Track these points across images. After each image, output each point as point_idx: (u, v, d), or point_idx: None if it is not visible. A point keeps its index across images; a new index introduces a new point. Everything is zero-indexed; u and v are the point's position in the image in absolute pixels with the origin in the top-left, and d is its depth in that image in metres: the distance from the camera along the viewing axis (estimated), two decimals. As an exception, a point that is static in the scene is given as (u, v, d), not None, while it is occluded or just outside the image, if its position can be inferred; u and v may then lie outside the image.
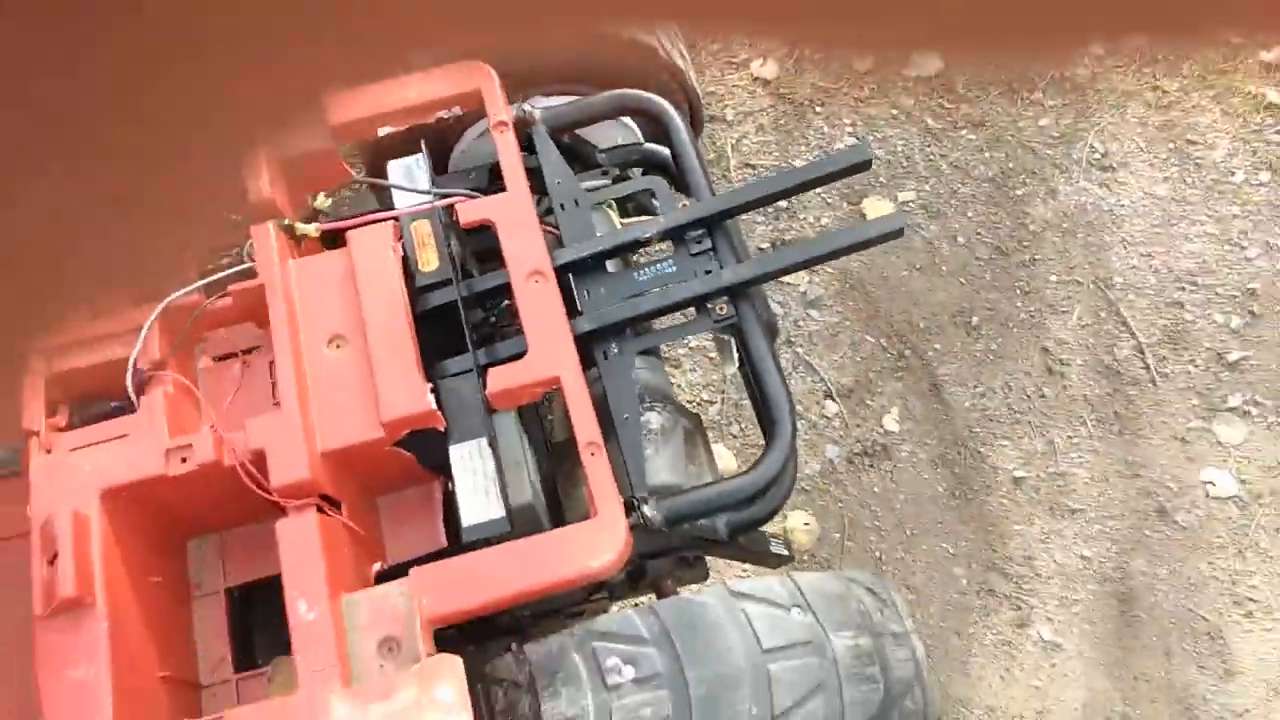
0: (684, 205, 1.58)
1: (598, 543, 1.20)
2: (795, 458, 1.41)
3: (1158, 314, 2.12)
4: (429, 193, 1.49)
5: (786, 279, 2.17)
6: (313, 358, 1.36)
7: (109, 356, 1.34)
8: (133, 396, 1.33)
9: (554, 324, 1.36)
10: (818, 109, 2.41)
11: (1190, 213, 2.24)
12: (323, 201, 1.56)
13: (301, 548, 1.19)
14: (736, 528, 1.40)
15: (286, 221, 1.47)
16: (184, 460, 1.26)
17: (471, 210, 1.46)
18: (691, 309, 1.48)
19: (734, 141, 2.36)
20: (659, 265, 1.53)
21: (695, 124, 1.99)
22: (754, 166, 2.35)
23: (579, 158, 1.77)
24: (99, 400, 1.37)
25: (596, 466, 1.25)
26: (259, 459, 1.25)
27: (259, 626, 1.43)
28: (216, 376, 1.46)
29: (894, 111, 2.40)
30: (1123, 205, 2.25)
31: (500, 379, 1.31)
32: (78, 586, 1.14)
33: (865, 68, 2.44)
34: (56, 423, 1.32)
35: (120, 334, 1.36)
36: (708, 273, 1.49)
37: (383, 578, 1.31)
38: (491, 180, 1.59)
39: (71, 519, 1.19)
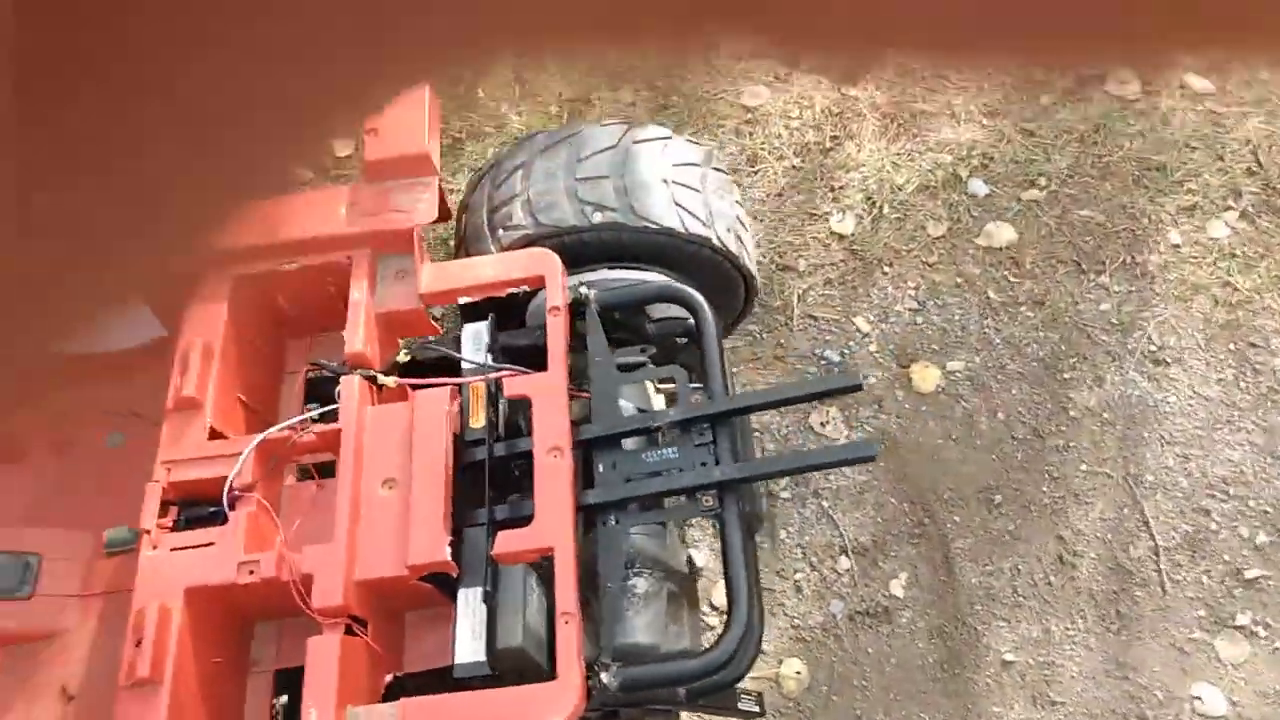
0: (696, 398, 1.81)
1: (555, 701, 1.44)
2: (754, 638, 1.61)
3: (1182, 518, 2.18)
4: (483, 366, 1.78)
5: (825, 431, 2.36)
6: (368, 495, 1.66)
7: (214, 473, 1.69)
8: (226, 510, 1.67)
9: (560, 499, 1.61)
10: (886, 269, 2.57)
11: (1237, 418, 2.28)
12: (403, 353, 1.87)
13: (323, 663, 1.49)
14: (696, 695, 1.62)
15: (371, 373, 1.79)
16: (251, 573, 1.58)
17: (514, 385, 1.74)
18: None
19: (801, 292, 2.56)
20: (667, 450, 1.76)
21: (749, 297, 2.22)
22: (815, 318, 2.54)
23: (631, 327, 2.03)
24: (203, 505, 1.72)
25: (565, 634, 1.49)
26: (308, 580, 1.56)
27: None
28: (296, 494, 1.79)
29: (959, 279, 2.54)
30: (1169, 402, 2.31)
31: (505, 542, 1.57)
32: (152, 671, 1.48)
33: (938, 233, 2.59)
34: (165, 523, 1.67)
35: (227, 456, 1.70)
36: (704, 465, 1.71)
37: (393, 686, 1.60)
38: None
39: (158, 611, 1.53)
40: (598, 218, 1.95)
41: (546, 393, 1.73)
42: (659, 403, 1.96)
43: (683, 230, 1.98)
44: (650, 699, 1.60)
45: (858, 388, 1.70)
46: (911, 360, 2.46)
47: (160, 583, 1.60)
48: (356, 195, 1.92)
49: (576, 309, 1.91)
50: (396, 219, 1.89)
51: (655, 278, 1.98)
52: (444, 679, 1.56)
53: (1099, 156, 2.64)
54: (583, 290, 1.94)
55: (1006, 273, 2.54)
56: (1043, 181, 2.64)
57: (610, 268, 2.05)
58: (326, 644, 1.52)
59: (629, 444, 1.79)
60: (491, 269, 1.87)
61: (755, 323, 2.53)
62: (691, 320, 2.00)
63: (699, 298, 1.92)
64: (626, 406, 1.92)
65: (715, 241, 2.03)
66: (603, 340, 1.91)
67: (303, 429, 1.78)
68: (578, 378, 1.86)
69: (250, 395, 1.91)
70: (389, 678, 1.63)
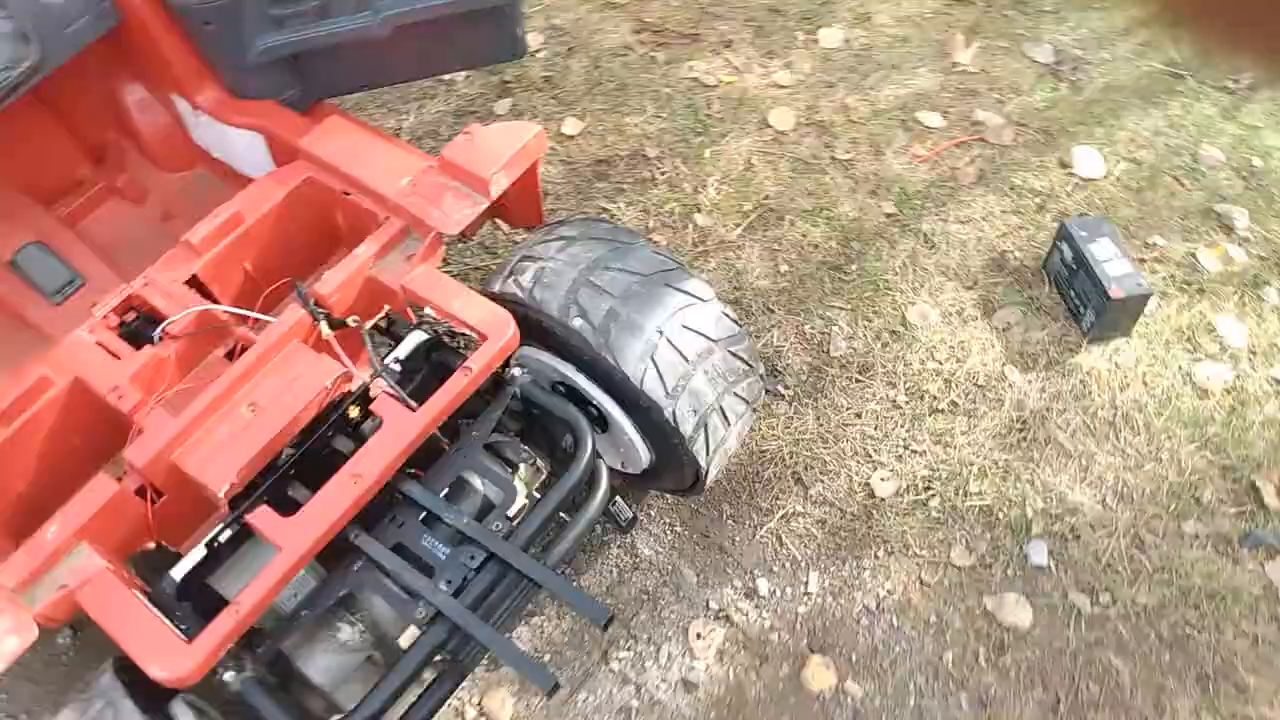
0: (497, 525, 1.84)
1: (171, 656, 1.60)
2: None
3: None
4: (380, 371, 1.91)
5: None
6: (233, 403, 1.86)
7: (165, 308, 1.97)
8: (152, 340, 1.96)
9: (324, 516, 1.72)
10: (878, 553, 2.37)
11: None
12: (352, 319, 2.04)
13: (93, 497, 1.72)
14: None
15: (320, 312, 1.97)
16: (119, 398, 1.87)
17: (382, 403, 1.86)
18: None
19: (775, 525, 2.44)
20: (440, 546, 1.83)
21: (695, 484, 2.18)
22: (783, 549, 2.40)
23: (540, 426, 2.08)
24: (149, 327, 2.02)
25: (223, 622, 1.63)
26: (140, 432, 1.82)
27: None
28: (209, 367, 2.04)
29: (932, 618, 2.27)
30: None
31: (260, 517, 1.73)
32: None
33: (962, 562, 2.32)
34: (113, 321, 1.98)
35: (182, 302, 1.99)
36: (448, 583, 1.77)
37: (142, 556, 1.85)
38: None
39: (39, 378, 1.87)
40: (575, 323, 1.99)
41: (397, 428, 1.84)
42: (517, 502, 2.01)
43: (637, 384, 1.97)
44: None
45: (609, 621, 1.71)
46: (818, 652, 2.27)
47: (66, 358, 1.95)
48: (424, 176, 2.10)
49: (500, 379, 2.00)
50: (432, 216, 2.05)
51: (569, 408, 2.00)
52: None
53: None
54: (514, 372, 2.02)
55: (992, 650, 2.24)
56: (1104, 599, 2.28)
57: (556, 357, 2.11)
58: (105, 485, 1.78)
59: (439, 518, 1.87)
60: (460, 303, 1.97)
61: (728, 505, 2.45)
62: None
63: (588, 444, 1.92)
64: (474, 484, 1.99)
65: (667, 414, 2.00)
66: (494, 419, 1.98)
67: (241, 323, 2.04)
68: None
69: (262, 276, 2.19)
70: (145, 547, 1.87)
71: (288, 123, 2.29)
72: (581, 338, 1.99)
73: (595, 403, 2.13)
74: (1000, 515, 2.40)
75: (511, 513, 1.95)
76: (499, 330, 1.92)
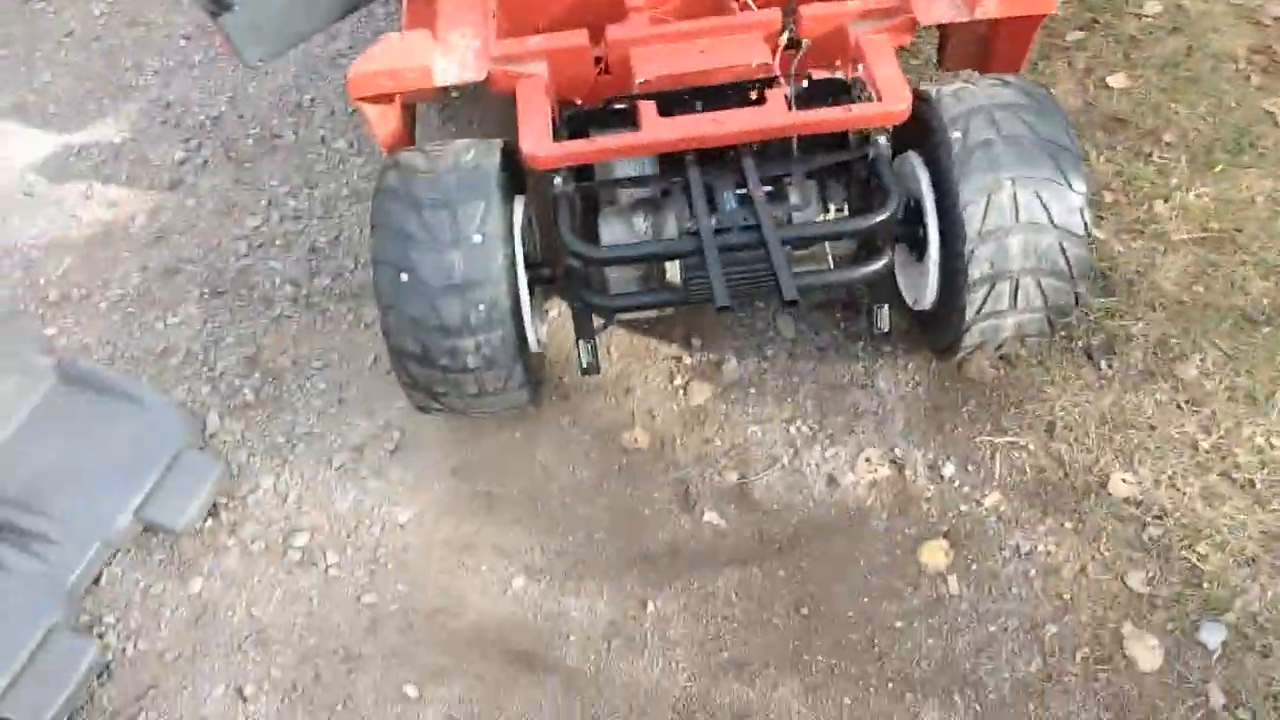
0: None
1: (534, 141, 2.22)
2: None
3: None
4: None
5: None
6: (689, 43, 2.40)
7: None
8: None
9: (683, 129, 2.22)
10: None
11: None
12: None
13: None
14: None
15: (790, 26, 2.42)
16: None
17: (773, 94, 2.28)
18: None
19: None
20: (733, 202, 2.22)
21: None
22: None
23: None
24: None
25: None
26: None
27: None
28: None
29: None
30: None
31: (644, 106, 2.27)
32: None
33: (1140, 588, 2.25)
34: None
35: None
36: (718, 221, 2.19)
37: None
38: None
39: None
40: (954, 135, 2.19)
41: (771, 110, 2.24)
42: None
43: (960, 209, 2.16)
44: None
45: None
46: (948, 539, 2.34)
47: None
48: None
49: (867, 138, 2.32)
50: (917, 5, 2.35)
51: (895, 186, 2.24)
52: None
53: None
54: (881, 139, 2.29)
55: (1094, 661, 2.15)
56: None
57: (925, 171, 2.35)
58: (580, 37, 2.38)
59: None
60: (885, 70, 2.28)
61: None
62: None
63: (892, 211, 2.21)
64: (790, 188, 2.36)
65: (966, 250, 2.17)
66: (839, 157, 2.36)
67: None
68: None
69: None
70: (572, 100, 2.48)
71: None
72: (950, 150, 2.20)
73: (925, 225, 2.34)
74: (1207, 585, 2.22)
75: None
76: (895, 97, 2.22)
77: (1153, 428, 2.48)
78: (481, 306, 2.18)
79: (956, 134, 2.21)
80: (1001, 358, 2.64)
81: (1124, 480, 2.40)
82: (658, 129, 2.24)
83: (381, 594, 2.42)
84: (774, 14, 2.43)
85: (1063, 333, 2.65)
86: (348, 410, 2.75)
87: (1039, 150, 2.18)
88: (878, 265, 2.28)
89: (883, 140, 2.28)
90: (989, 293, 2.22)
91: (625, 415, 2.67)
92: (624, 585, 2.40)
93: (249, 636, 2.38)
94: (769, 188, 2.30)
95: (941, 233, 2.29)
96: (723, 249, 2.17)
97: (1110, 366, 2.60)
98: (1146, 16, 3.43)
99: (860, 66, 2.35)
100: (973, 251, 2.18)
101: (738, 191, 2.27)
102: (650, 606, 2.36)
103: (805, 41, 2.41)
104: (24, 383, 2.68)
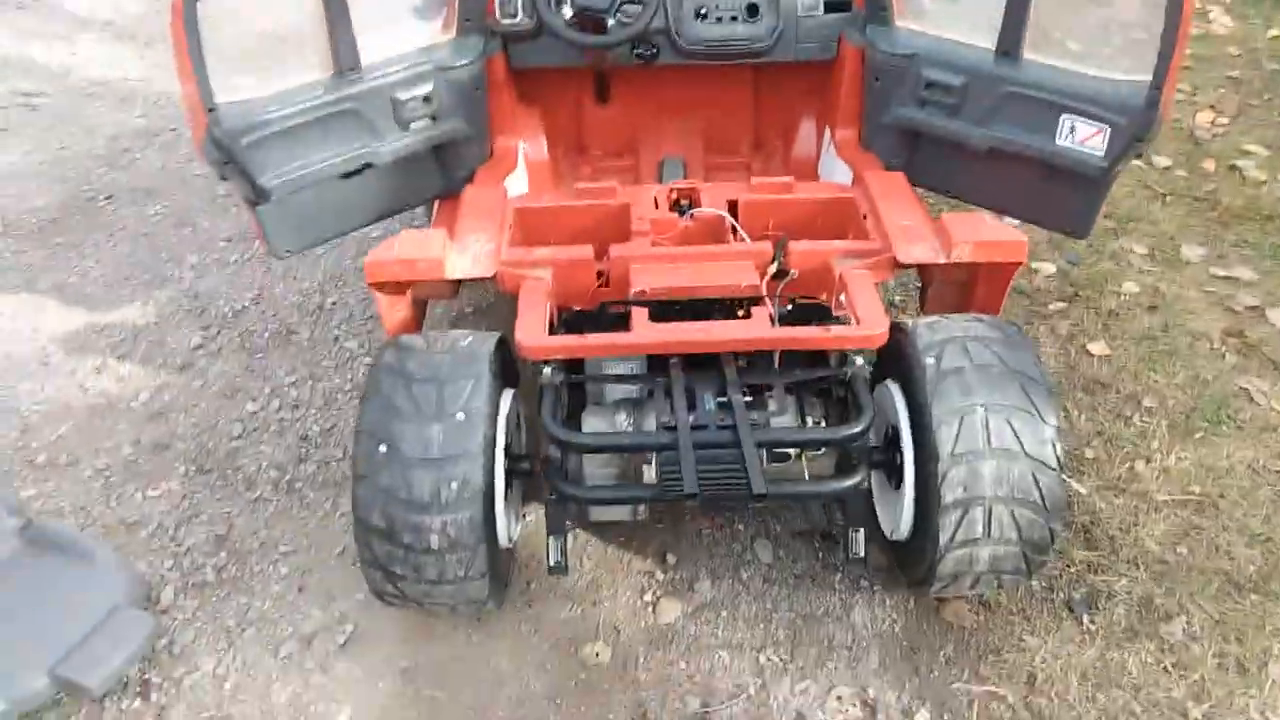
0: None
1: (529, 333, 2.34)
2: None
3: None
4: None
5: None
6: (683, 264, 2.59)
7: None
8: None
9: (671, 335, 2.34)
10: None
11: None
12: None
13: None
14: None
15: (779, 257, 2.59)
16: None
17: (757, 311, 2.40)
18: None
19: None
20: (711, 406, 2.28)
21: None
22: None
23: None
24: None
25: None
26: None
27: None
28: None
29: None
30: None
31: (636, 312, 2.40)
32: None
33: None
34: None
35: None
36: (695, 420, 2.24)
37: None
38: None
39: None
40: (927, 361, 2.28)
41: (754, 324, 2.37)
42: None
43: (934, 430, 2.21)
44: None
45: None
46: None
47: (634, 194, 2.85)
48: (918, 225, 2.60)
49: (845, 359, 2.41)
50: (897, 246, 2.52)
51: (870, 404, 2.34)
52: None
53: None
54: (858, 359, 2.38)
55: None
56: None
57: (902, 399, 2.40)
58: (586, 253, 2.59)
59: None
60: (864, 300, 2.42)
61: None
62: None
63: (866, 427, 2.27)
64: (769, 397, 2.43)
65: (939, 470, 2.19)
66: (817, 374, 2.46)
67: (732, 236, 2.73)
68: None
69: (772, 228, 2.86)
70: (571, 308, 2.64)
71: (873, 170, 2.94)
72: (924, 374, 2.27)
73: (901, 454, 2.37)
74: None
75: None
76: (873, 322, 2.33)
77: (1137, 689, 2.36)
78: (454, 484, 2.18)
79: (930, 360, 2.28)
80: (982, 603, 2.56)
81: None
82: (647, 332, 2.34)
83: (304, 798, 2.24)
84: (765, 245, 2.61)
85: (1043, 583, 2.59)
86: (306, 598, 2.67)
87: (1009, 380, 2.24)
88: (851, 481, 2.29)
89: (860, 360, 2.36)
90: (962, 518, 2.20)
91: (590, 627, 2.58)
92: (565, 813, 2.21)
93: (154, 832, 2.19)
94: (749, 397, 2.36)
95: (916, 458, 2.31)
96: (697, 445, 2.19)
97: (1093, 621, 2.51)
98: (1125, 295, 3.62)
99: (843, 297, 2.48)
100: (946, 473, 2.19)
101: (719, 399, 2.33)
102: (591, 839, 2.16)
103: (792, 271, 2.55)
104: (-12, 542, 2.65)
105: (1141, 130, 2.37)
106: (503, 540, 2.40)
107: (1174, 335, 3.42)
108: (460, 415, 2.22)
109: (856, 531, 2.43)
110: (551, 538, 2.44)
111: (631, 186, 2.98)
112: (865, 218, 2.71)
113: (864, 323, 2.34)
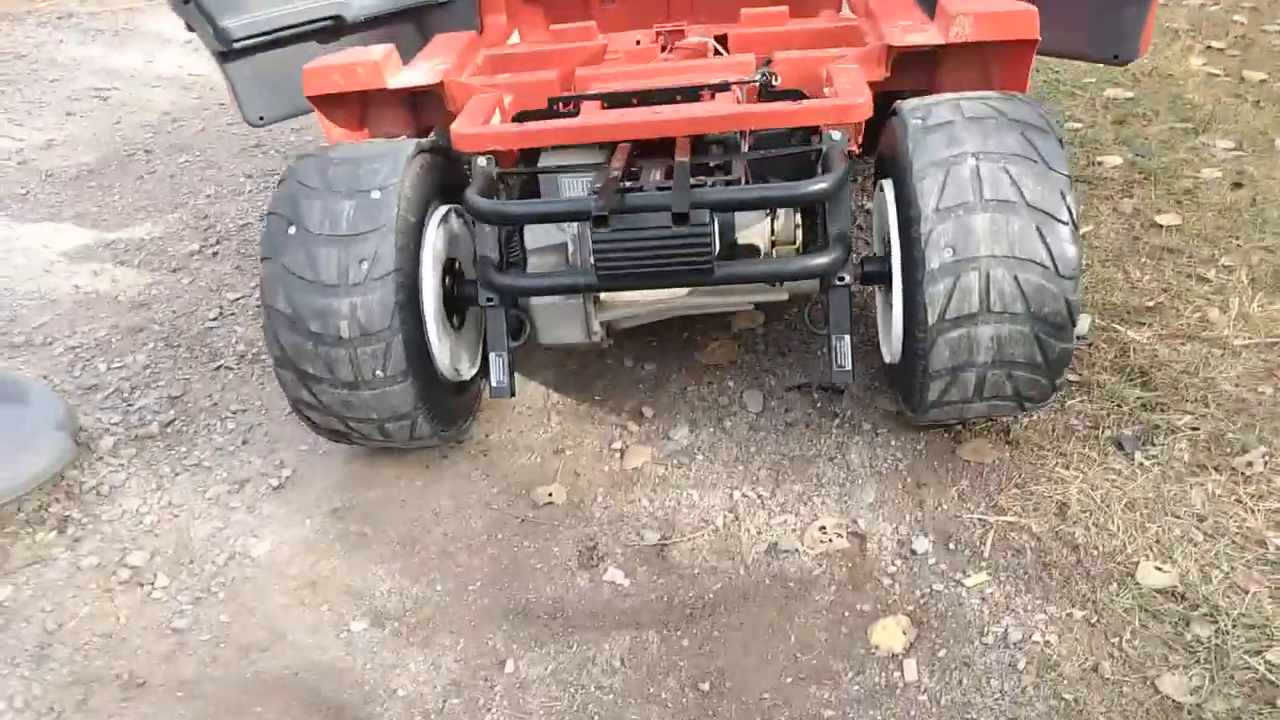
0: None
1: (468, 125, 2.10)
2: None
3: None
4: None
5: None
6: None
7: None
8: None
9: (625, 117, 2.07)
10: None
11: None
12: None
13: None
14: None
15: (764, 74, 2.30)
16: None
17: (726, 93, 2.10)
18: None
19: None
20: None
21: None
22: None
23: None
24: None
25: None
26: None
27: None
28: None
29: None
30: None
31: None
32: None
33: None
34: None
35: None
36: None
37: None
38: None
39: None
40: (913, 122, 1.91)
41: (719, 103, 2.07)
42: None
43: (915, 184, 1.83)
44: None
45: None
46: (908, 616, 1.72)
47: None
48: (912, 9, 2.28)
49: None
50: (886, 30, 2.20)
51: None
52: None
53: None
54: (834, 134, 2.03)
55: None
56: None
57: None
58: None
59: None
60: (849, 78, 2.11)
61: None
62: None
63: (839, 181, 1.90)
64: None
65: (922, 231, 1.81)
66: (786, 152, 2.12)
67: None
68: None
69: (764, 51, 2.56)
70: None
71: None
72: (906, 133, 1.91)
73: (890, 261, 2.00)
74: (1282, 703, 1.53)
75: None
76: (853, 92, 2.01)
77: (1201, 519, 1.88)
78: (364, 262, 1.94)
79: (916, 120, 1.93)
80: (1007, 441, 2.13)
81: (1159, 569, 1.78)
82: (596, 116, 2.07)
83: (197, 622, 1.97)
84: (747, 57, 2.34)
85: (1085, 421, 2.15)
86: (248, 450, 2.44)
87: (1007, 129, 1.87)
88: (821, 259, 1.92)
89: (837, 135, 2.01)
90: (953, 288, 1.79)
91: (547, 473, 2.25)
92: (484, 641, 1.86)
93: (30, 651, 1.94)
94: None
95: (902, 245, 1.94)
96: (630, 211, 1.88)
97: (1147, 457, 2.04)
98: (1203, 179, 3.15)
99: (828, 91, 2.17)
100: (929, 233, 1.80)
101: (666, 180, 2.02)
102: (510, 667, 1.81)
103: (776, 78, 2.25)
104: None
105: None
106: (444, 367, 2.13)
107: (1262, 208, 2.94)
108: (375, 194, 1.98)
109: (841, 339, 2.03)
110: (493, 354, 2.14)
111: (615, 33, 2.75)
112: (866, 37, 2.41)
113: (842, 94, 2.02)
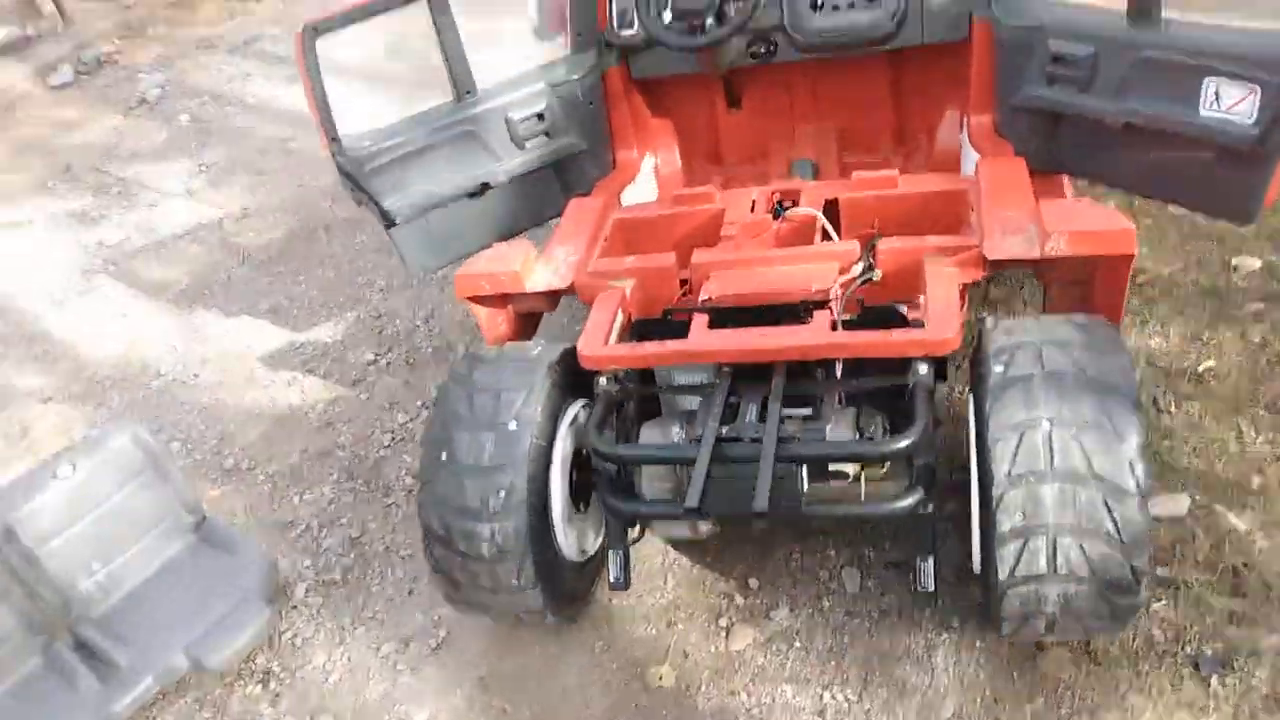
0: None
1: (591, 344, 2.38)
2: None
3: None
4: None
5: None
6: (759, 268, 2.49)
7: None
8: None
9: (722, 342, 2.29)
10: None
11: None
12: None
13: None
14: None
15: (868, 263, 2.42)
16: None
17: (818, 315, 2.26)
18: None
19: None
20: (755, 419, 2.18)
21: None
22: None
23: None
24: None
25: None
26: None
27: None
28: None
29: None
30: None
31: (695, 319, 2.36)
32: None
33: None
34: None
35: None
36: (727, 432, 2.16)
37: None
38: None
39: None
40: (995, 368, 2.03)
41: (813, 329, 2.25)
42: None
43: (989, 446, 1.96)
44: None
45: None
46: None
47: (731, 197, 2.80)
48: (1018, 215, 2.36)
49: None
50: (987, 240, 2.28)
51: (927, 415, 2.10)
52: None
53: None
54: (922, 367, 2.17)
55: None
56: None
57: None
58: (669, 260, 2.57)
59: None
60: (940, 296, 2.25)
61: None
62: None
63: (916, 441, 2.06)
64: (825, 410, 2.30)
65: (995, 495, 1.94)
66: (875, 385, 2.34)
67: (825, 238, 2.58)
68: None
69: (872, 225, 2.68)
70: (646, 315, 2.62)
71: (995, 157, 2.67)
72: (988, 383, 2.02)
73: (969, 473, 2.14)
74: None
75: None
76: (943, 325, 2.13)
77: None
78: (501, 492, 2.25)
79: (998, 367, 2.04)
80: (1087, 653, 2.25)
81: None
82: (700, 339, 2.29)
83: (374, 788, 2.42)
84: (852, 245, 2.46)
85: (1168, 633, 2.23)
86: (413, 601, 2.87)
87: (1083, 390, 1.95)
88: (903, 503, 2.09)
89: (924, 369, 2.14)
90: (1022, 550, 1.94)
91: (660, 649, 2.56)
92: (601, 830, 2.22)
93: (251, 805, 2.45)
94: (807, 410, 2.24)
95: (980, 479, 2.08)
96: (723, 459, 2.11)
97: (1223, 684, 2.12)
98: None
99: (922, 300, 2.29)
100: (1001, 497, 1.95)
101: (764, 410, 2.22)
102: None
103: (876, 272, 2.39)
104: (169, 534, 3.07)
105: None
106: (567, 553, 2.44)
107: None
108: (512, 425, 2.28)
109: (925, 562, 2.21)
110: (611, 552, 2.45)
111: (732, 190, 2.91)
112: (973, 211, 2.48)
113: (931, 325, 2.15)
